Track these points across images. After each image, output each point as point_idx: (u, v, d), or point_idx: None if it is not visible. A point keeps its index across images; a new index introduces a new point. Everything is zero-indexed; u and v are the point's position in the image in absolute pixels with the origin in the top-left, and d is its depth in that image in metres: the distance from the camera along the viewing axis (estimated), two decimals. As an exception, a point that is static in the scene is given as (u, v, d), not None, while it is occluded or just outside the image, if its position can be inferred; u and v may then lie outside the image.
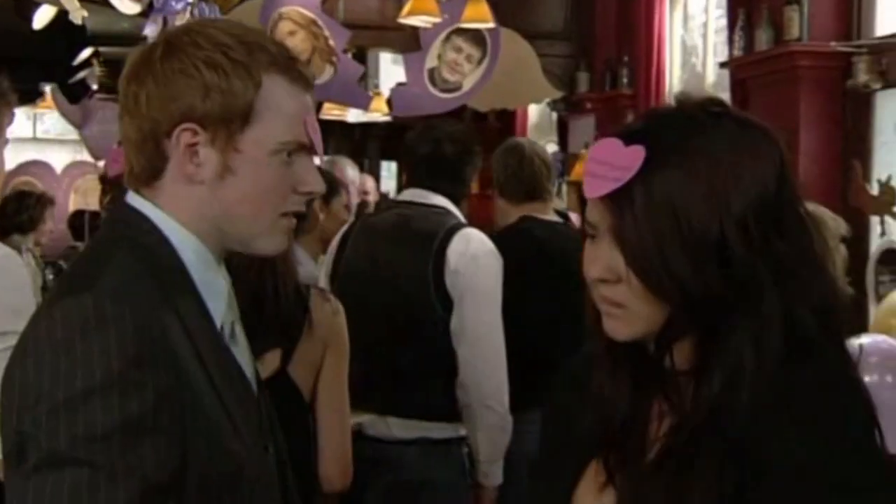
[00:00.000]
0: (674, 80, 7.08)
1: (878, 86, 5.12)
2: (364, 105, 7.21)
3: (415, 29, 7.11)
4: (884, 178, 5.13)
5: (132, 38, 4.43)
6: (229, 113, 1.38)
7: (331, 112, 7.56)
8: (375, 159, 11.33)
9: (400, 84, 7.27)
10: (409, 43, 7.47)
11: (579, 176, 4.43)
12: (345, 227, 3.48)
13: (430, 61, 7.79)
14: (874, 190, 5.17)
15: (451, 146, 3.27)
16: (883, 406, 4.30)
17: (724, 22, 6.49)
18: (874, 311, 5.10)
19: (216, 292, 1.44)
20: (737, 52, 5.78)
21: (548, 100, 7.52)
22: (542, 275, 3.61)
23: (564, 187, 7.43)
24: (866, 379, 3.91)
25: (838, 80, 5.24)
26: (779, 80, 5.45)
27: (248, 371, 1.48)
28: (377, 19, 7.42)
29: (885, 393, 3.90)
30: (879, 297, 5.09)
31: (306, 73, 1.45)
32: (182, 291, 1.39)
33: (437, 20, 6.33)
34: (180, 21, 3.59)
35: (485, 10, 6.25)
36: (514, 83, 7.20)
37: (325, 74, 7.13)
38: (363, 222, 3.43)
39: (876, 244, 5.15)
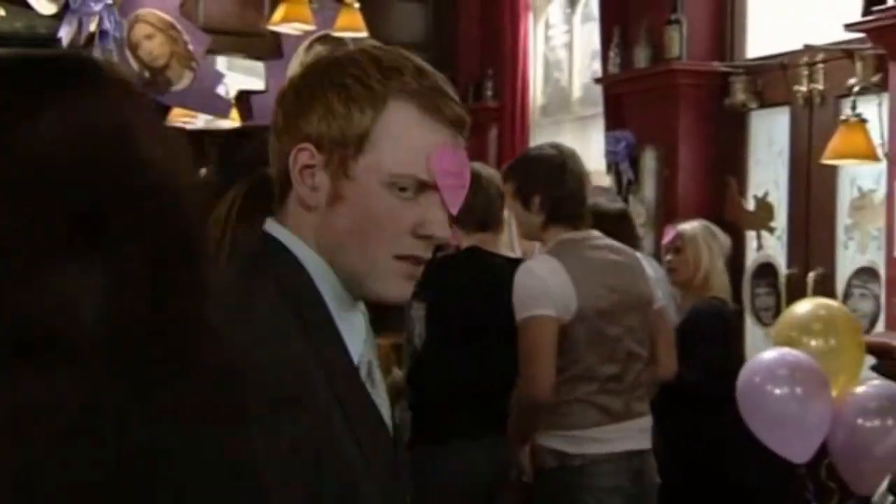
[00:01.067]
0: (537, 94, 7.16)
1: (754, 105, 5.31)
2: (225, 112, 7.01)
3: (276, 36, 6.97)
4: (760, 194, 5.33)
5: (25, 39, 4.15)
6: (344, 137, 1.33)
7: (179, 119, 7.30)
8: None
9: (256, 92, 7.12)
10: (270, 49, 7.30)
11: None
12: None
13: (293, 69, 7.67)
14: (750, 206, 5.36)
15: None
16: (792, 418, 4.38)
17: (587, 38, 6.62)
18: (751, 323, 5.29)
19: (354, 328, 1.36)
20: (612, 69, 5.89)
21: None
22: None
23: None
24: (776, 392, 4.03)
25: (716, 99, 5.40)
26: (658, 97, 5.58)
27: (385, 413, 1.39)
28: (237, 24, 7.21)
29: (793, 405, 4.02)
30: (755, 309, 5.28)
31: (447, 107, 1.34)
32: (322, 327, 1.32)
33: (311, 28, 6.21)
34: (93, 25, 3.37)
35: (358, 18, 6.17)
36: (377, 93, 7.16)
37: (184, 80, 6.91)
38: None
39: (752, 258, 5.34)
